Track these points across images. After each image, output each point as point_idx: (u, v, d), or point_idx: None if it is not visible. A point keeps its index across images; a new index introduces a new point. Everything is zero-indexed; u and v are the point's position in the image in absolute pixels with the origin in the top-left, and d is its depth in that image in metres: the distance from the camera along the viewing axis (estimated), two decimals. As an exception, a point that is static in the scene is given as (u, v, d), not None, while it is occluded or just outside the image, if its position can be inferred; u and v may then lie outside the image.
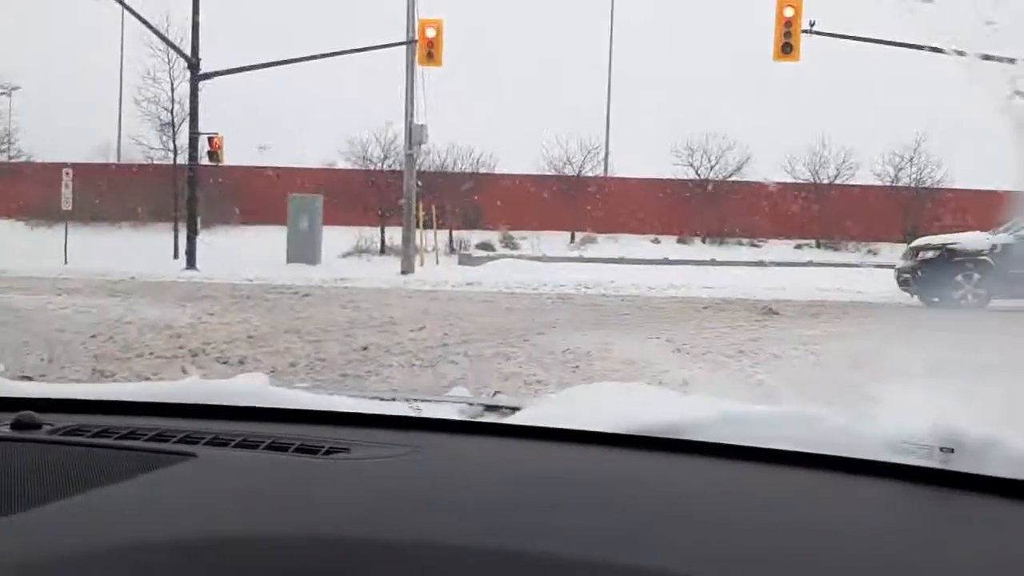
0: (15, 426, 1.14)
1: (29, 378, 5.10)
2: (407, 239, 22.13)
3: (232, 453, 1.09)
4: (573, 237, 30.06)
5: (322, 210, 23.54)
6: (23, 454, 1.06)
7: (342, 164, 29.89)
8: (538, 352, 9.61)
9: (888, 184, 30.28)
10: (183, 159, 24.04)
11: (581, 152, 31.13)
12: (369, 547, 0.84)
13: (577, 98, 34.27)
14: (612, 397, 1.25)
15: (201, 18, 21.47)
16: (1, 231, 26.96)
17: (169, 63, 26.28)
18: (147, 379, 6.53)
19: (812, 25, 19.91)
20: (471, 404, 1.37)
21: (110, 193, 27.01)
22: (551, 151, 30.95)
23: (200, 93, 21.63)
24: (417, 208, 22.90)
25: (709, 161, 30.89)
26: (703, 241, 30.11)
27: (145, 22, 21.26)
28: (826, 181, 30.38)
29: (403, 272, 20.98)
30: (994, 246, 15.83)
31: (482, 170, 29.94)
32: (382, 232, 26.83)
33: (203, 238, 22.19)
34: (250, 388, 1.43)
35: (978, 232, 16.88)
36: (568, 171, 30.82)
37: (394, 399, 1.49)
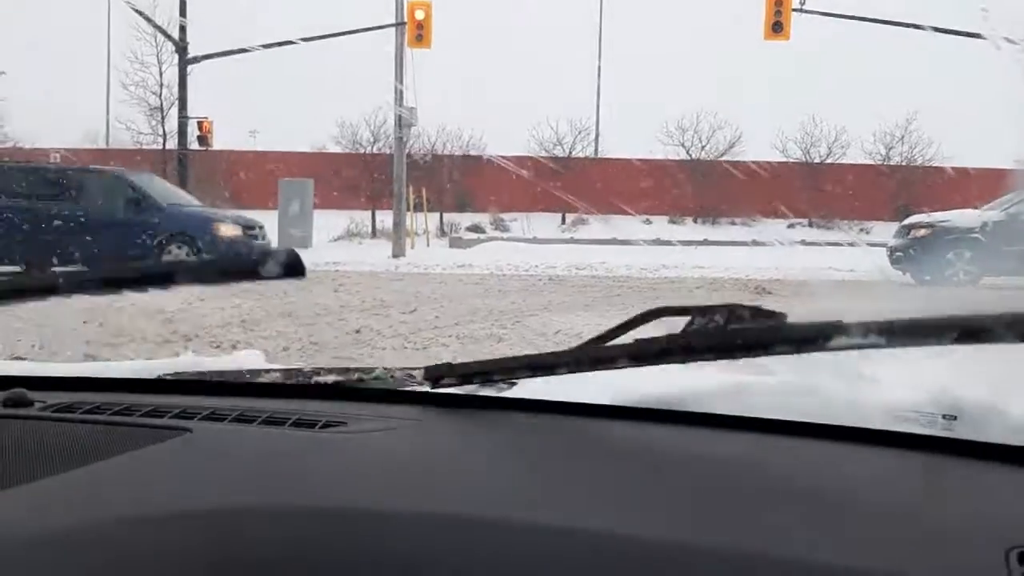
0: (5, 403, 1.12)
1: (21, 358, 5.09)
2: (398, 222, 22.10)
3: (228, 428, 1.08)
4: (564, 219, 30.05)
5: (313, 194, 23.47)
6: (13, 431, 1.05)
7: (332, 148, 29.80)
8: (530, 333, 9.62)
9: (879, 163, 30.31)
10: (173, 144, 23.93)
11: (571, 133, 31.11)
12: (370, 518, 0.83)
13: (567, 78, 34.24)
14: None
15: (188, 0, 21.34)
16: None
17: (157, 47, 26.20)
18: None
19: (803, 3, 19.88)
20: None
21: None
22: (541, 132, 30.94)
23: (189, 77, 21.51)
24: (407, 191, 22.85)
25: (700, 141, 30.89)
26: (695, 221, 30.12)
27: (131, 6, 21.12)
28: (818, 160, 30.39)
29: (394, 255, 20.95)
30: (984, 224, 15.85)
31: (472, 152, 29.88)
32: (373, 216, 26.77)
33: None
34: (245, 365, 1.42)
35: (969, 210, 16.91)
36: (558, 152, 30.78)
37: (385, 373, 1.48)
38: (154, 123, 28.00)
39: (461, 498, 0.89)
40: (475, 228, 27.88)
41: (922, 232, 16.25)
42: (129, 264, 15.49)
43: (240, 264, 1.29)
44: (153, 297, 11.60)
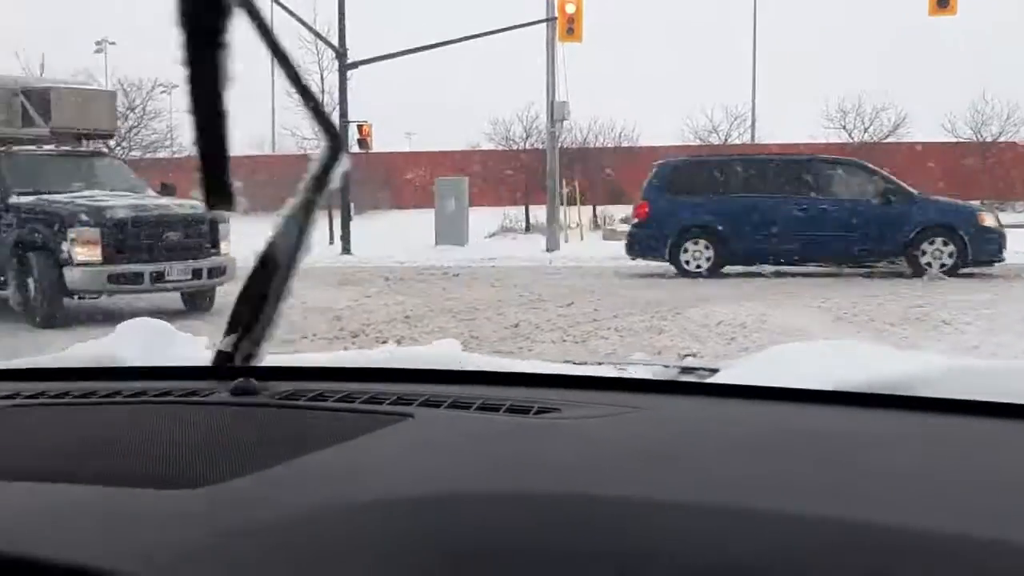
0: (235, 392, 1.18)
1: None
2: (551, 216, 22.17)
3: (446, 413, 1.10)
4: (720, 208, 29.44)
5: (468, 192, 23.84)
6: (245, 419, 1.10)
7: (486, 145, 30.18)
8: (691, 325, 9.49)
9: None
10: (334, 148, 24.73)
11: (727, 120, 30.48)
12: (594, 504, 0.83)
13: (720, 64, 33.50)
14: (820, 356, 1.20)
15: (346, 8, 22.01)
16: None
17: (318, 54, 27.09)
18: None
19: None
20: (666, 367, 1.35)
21: (266, 183, 28.10)
22: (695, 121, 30.45)
23: (348, 82, 22.20)
24: (560, 185, 22.90)
25: (863, 123, 29.69)
26: (857, 206, 28.95)
27: (293, 14, 21.96)
28: (990, 139, 28.69)
29: (548, 249, 21.03)
30: None
31: (624, 143, 29.68)
32: (526, 211, 26.97)
33: (356, 223, 22.83)
34: (446, 353, 1.45)
35: None
36: (714, 140, 30.20)
37: (585, 363, 1.49)
38: (316, 128, 28.97)
39: (684, 484, 0.88)
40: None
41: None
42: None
43: None
44: (323, 294, 12.06)
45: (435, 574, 0.74)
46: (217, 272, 11.06)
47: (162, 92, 33.54)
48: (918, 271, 14.01)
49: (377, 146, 24.83)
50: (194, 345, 1.59)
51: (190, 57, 1.04)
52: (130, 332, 1.62)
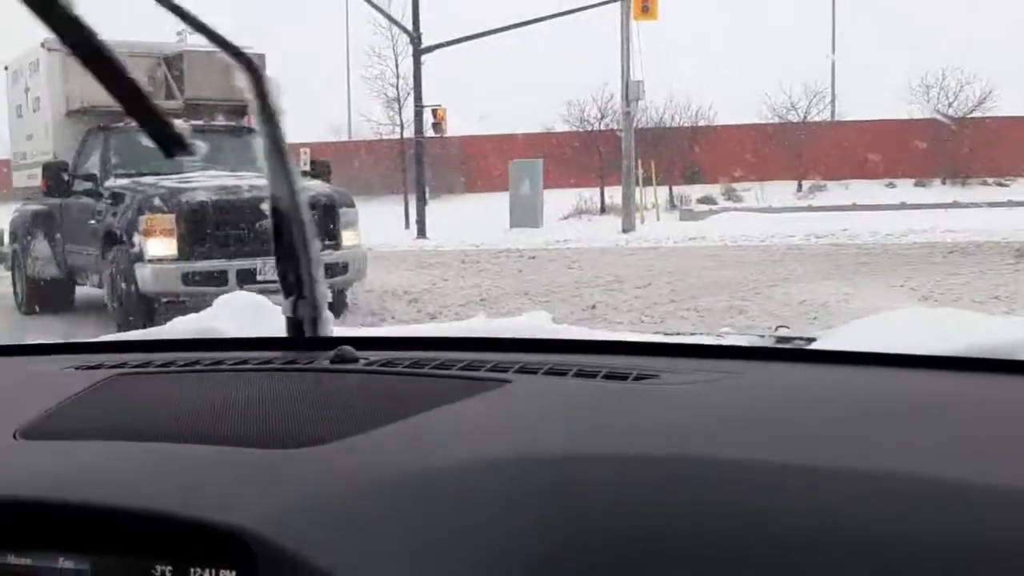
0: (335, 360, 1.21)
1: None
2: (627, 197, 22.02)
3: (543, 379, 1.11)
4: (800, 186, 28.91)
5: (542, 174, 23.80)
6: (345, 385, 1.13)
7: (560, 127, 30.06)
8: (772, 304, 9.36)
9: None
10: (409, 133, 24.94)
11: (806, 97, 29.83)
12: (697, 465, 0.83)
13: (798, 41, 32.82)
14: (917, 323, 1.18)
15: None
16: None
17: (392, 39, 27.28)
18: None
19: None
20: (761, 336, 1.34)
21: (343, 169, 28.46)
22: (773, 98, 29.87)
23: (422, 67, 22.30)
24: (636, 165, 22.72)
25: (947, 98, 28.79)
26: (943, 183, 28.14)
27: (369, 2, 22.13)
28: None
29: (624, 230, 20.91)
30: None
31: (701, 122, 29.27)
32: (602, 192, 26.82)
33: (431, 208, 23.00)
34: (536, 325, 1.46)
35: None
36: (792, 117, 29.61)
37: (679, 333, 1.48)
38: (391, 114, 29.26)
39: (791, 447, 0.87)
40: (706, 200, 27.32)
41: None
42: None
43: None
44: (400, 278, 12.20)
45: (544, 532, 0.76)
46: (334, 270, 8.51)
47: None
48: None
49: (451, 130, 24.93)
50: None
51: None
52: (227, 306, 1.67)
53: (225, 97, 9.92)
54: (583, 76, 28.76)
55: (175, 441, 0.93)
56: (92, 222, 9.18)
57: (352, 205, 9.15)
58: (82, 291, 10.43)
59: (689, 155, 28.52)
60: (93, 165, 9.62)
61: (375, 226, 22.21)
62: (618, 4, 21.29)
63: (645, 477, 0.82)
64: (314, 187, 8.65)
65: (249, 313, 1.61)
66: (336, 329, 1.36)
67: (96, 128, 9.80)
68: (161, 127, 1.07)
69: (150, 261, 8.28)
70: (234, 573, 0.77)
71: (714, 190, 28.26)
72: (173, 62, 10.49)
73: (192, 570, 0.78)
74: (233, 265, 8.27)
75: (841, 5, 33.85)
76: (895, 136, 28.04)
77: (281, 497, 0.81)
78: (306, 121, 30.89)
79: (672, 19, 24.15)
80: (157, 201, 8.47)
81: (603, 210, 26.25)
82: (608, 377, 1.10)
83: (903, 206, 23.06)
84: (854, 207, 23.31)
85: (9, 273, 11.51)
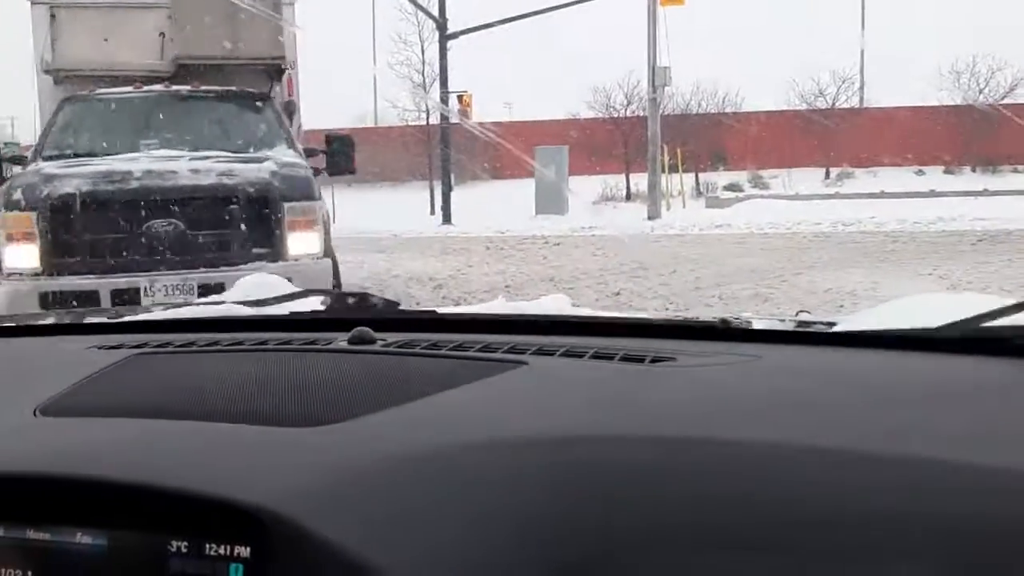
0: (352, 341, 1.22)
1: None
2: (652, 184, 21.92)
3: (560, 361, 1.11)
4: (828, 173, 28.68)
5: (568, 160, 23.74)
6: (362, 365, 1.13)
7: (586, 114, 29.98)
8: (797, 292, 9.30)
9: None
10: (435, 119, 24.95)
11: (834, 83, 29.56)
12: (713, 446, 0.83)
13: (827, 27, 32.47)
14: (937, 307, 1.17)
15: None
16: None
17: (419, 25, 27.29)
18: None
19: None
20: (782, 320, 1.33)
21: (369, 155, 28.48)
22: (801, 85, 29.63)
23: (448, 53, 22.29)
24: (662, 152, 22.61)
25: (977, 84, 28.43)
26: (973, 171, 27.81)
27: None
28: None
29: (650, 217, 20.83)
30: None
31: (727, 109, 29.08)
32: (627, 179, 26.74)
33: (456, 194, 23.01)
34: (555, 308, 1.46)
35: None
36: (820, 104, 29.35)
37: (697, 317, 1.47)
38: (417, 100, 29.30)
39: (811, 429, 0.87)
40: (732, 187, 27.14)
41: None
42: None
43: None
44: (424, 264, 12.23)
45: (561, 510, 0.76)
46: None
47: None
48: None
49: (476, 116, 24.92)
50: (304, 301, 1.63)
51: None
52: (245, 287, 1.68)
53: (228, 56, 7.83)
54: (609, 63, 28.65)
55: (192, 419, 0.94)
56: None
57: (311, 197, 6.57)
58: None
59: (716, 142, 28.33)
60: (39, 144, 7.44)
61: (400, 212, 22.32)
62: (645, -10, 21.16)
63: (663, 458, 0.82)
64: (242, 171, 6.34)
65: (265, 293, 1.62)
66: (354, 311, 1.36)
67: (64, 99, 7.71)
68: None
69: (8, 276, 6.12)
70: (249, 550, 0.78)
71: (741, 177, 28.08)
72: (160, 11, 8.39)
73: (207, 546, 0.79)
74: (104, 284, 5.97)
75: (871, -10, 33.46)
76: (924, 123, 27.73)
77: (296, 475, 0.81)
78: (333, 108, 31.02)
79: (699, 4, 23.97)
80: (17, 195, 6.20)
81: (628, 197, 26.17)
82: (625, 359, 1.10)
83: (932, 193, 22.80)
84: (882, 194, 23.09)
85: None
